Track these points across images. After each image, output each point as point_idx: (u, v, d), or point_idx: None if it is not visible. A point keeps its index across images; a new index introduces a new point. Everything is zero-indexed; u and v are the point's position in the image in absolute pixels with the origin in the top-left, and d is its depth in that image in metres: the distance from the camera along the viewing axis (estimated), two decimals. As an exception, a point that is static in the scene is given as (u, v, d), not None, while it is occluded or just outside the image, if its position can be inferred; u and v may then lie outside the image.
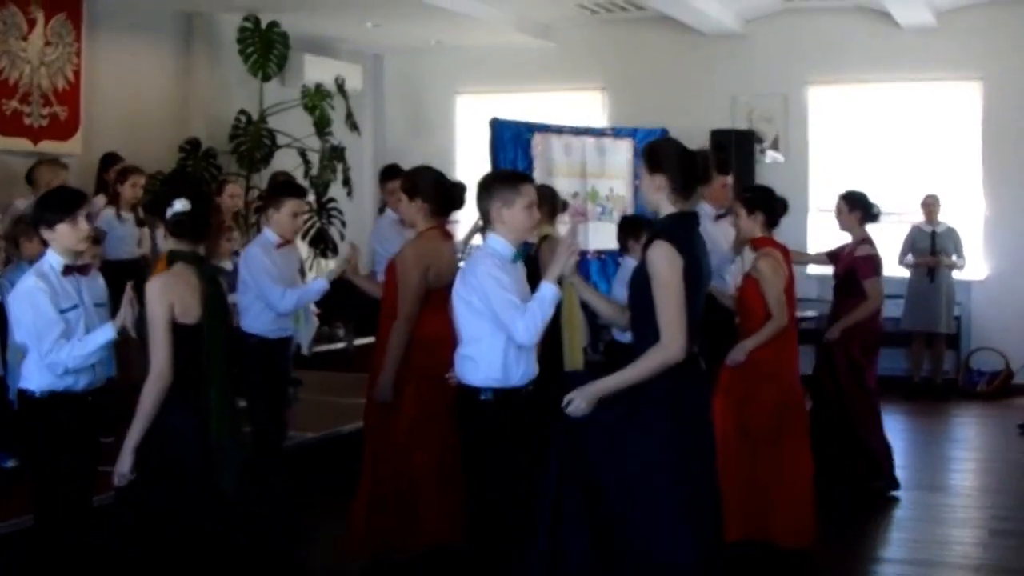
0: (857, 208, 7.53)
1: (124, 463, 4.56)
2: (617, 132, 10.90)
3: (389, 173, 8.36)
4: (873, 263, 7.46)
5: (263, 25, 11.05)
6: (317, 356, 9.67)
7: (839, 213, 7.60)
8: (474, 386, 4.79)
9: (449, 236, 6.21)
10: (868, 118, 11.86)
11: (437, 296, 5.91)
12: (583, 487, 4.27)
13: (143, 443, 4.56)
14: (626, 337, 6.81)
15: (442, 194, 6.02)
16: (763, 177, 11.77)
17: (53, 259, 4.86)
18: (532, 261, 7.30)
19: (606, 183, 10.11)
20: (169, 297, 4.60)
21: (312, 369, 9.34)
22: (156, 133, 10.60)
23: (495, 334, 4.72)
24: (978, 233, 11.50)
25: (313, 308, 9.27)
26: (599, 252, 10.35)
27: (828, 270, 8.03)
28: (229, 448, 4.69)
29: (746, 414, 6.10)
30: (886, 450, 7.59)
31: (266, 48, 11.07)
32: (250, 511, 5.00)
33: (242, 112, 11.12)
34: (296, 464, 6.95)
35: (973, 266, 11.41)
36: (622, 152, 10.60)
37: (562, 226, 7.60)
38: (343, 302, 7.70)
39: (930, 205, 11.10)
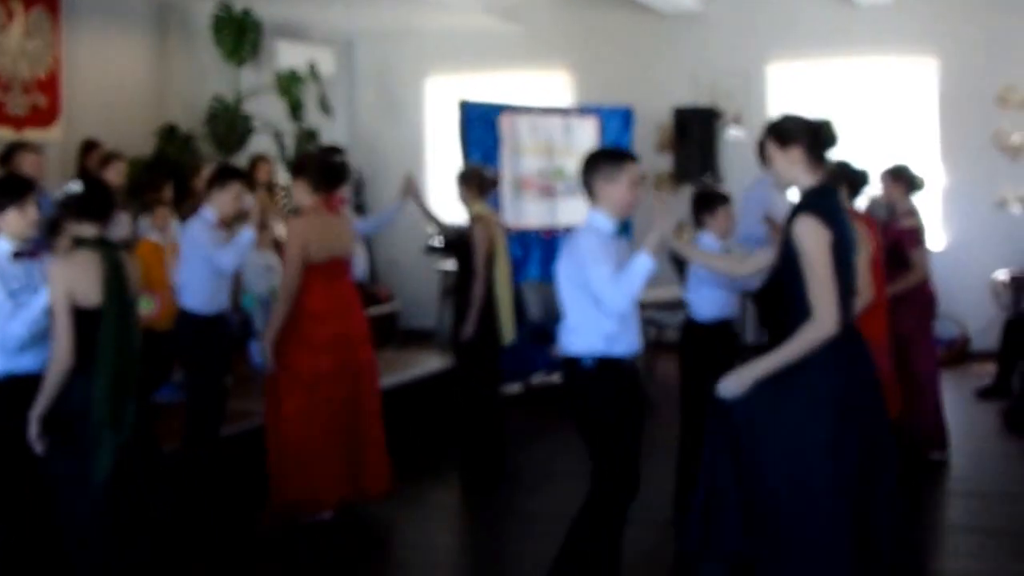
0: (901, 180, 7.70)
1: (31, 431, 4.74)
2: (583, 111, 11.12)
3: None
4: (917, 233, 7.51)
5: (236, 12, 11.27)
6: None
7: (885, 188, 7.69)
8: (576, 355, 4.80)
9: (335, 210, 6.40)
10: (827, 94, 12.05)
11: (324, 269, 6.18)
12: (736, 469, 4.26)
13: (53, 419, 4.74)
14: (703, 314, 6.34)
15: (322, 170, 6.20)
16: (725, 152, 12.11)
17: (1, 244, 5.04)
18: (463, 242, 7.28)
19: (573, 161, 10.30)
20: (66, 282, 4.75)
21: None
22: (134, 119, 10.83)
23: (595, 306, 4.72)
24: (936, 205, 11.77)
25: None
26: (568, 228, 10.58)
27: None
28: (106, 434, 4.72)
29: None
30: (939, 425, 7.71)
31: (239, 34, 11.29)
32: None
33: (217, 97, 11.37)
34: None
35: (931, 237, 11.68)
36: (588, 130, 10.80)
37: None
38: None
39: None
